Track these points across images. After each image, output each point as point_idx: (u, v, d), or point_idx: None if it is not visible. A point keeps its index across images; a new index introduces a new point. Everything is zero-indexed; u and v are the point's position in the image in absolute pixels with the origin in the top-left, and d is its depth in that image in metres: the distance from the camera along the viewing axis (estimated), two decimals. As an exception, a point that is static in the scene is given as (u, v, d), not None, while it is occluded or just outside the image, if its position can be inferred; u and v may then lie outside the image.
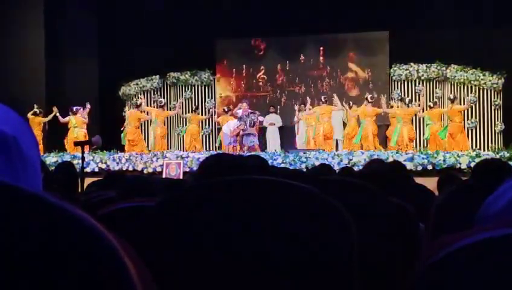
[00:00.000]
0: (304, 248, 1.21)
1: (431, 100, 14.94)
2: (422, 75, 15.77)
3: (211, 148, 15.61)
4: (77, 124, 14.23)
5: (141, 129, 15.36)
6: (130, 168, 12.77)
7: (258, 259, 1.21)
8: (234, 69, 17.22)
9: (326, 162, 10.37)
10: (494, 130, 14.99)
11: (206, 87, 17.19)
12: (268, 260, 1.20)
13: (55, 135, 14.73)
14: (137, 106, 14.67)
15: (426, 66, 15.72)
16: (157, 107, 14.96)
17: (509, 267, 0.80)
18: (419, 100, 14.52)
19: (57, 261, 0.48)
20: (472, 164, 11.27)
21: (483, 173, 2.61)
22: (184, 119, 16.36)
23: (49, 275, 0.48)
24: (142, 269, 0.53)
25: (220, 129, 15.26)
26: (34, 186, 0.71)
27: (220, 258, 1.19)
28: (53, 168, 5.63)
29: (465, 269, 0.84)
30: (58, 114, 14.35)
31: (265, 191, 1.24)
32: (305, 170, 11.37)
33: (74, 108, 14.39)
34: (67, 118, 14.37)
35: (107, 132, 14.37)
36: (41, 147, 13.50)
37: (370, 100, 13.78)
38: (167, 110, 15.62)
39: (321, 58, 16.77)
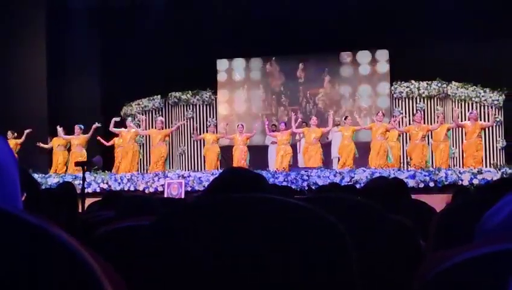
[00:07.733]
0: (299, 266, 1.19)
1: (432, 117, 14.95)
2: (423, 92, 15.78)
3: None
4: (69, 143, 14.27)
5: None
6: (132, 188, 12.74)
7: (249, 275, 1.19)
8: (235, 89, 17.27)
9: (328, 180, 10.36)
10: (496, 147, 14.95)
11: (208, 107, 17.23)
12: (261, 279, 1.18)
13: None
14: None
15: (427, 84, 15.74)
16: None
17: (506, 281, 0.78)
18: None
19: (28, 279, 0.46)
20: (474, 181, 11.23)
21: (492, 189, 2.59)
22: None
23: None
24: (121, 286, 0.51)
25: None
26: (12, 201, 0.69)
27: (211, 276, 1.18)
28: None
29: (461, 285, 0.83)
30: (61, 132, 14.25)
31: (258, 209, 1.23)
32: (307, 188, 11.36)
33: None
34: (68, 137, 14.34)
35: (108, 151, 14.37)
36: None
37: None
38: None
39: (322, 76, 16.82)
